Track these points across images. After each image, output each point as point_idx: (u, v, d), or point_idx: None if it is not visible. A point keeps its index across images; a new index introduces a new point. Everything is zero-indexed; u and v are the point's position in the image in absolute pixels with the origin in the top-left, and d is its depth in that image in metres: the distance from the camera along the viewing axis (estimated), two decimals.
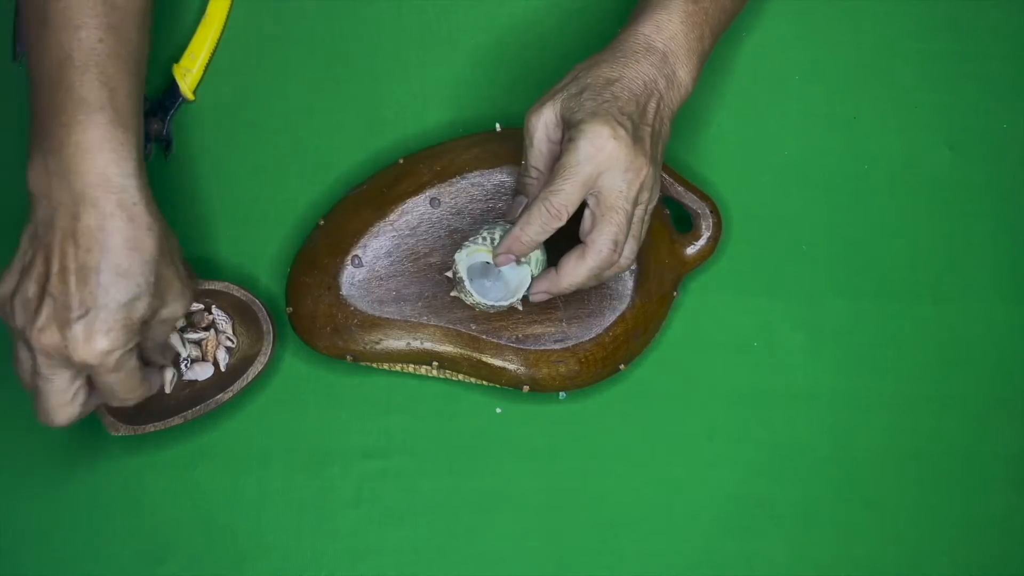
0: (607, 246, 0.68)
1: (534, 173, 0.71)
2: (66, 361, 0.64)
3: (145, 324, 0.66)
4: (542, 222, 0.68)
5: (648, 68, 0.70)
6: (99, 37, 0.65)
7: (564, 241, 0.70)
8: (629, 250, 0.69)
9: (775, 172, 0.82)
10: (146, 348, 0.70)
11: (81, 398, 0.67)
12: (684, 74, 0.72)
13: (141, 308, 0.64)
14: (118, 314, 0.63)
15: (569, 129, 0.68)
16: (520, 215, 0.69)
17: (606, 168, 0.67)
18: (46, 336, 0.63)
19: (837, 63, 0.84)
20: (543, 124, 0.70)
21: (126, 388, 0.67)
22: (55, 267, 0.64)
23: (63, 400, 0.66)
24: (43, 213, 0.65)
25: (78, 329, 0.63)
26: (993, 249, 0.82)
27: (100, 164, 0.64)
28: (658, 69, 0.70)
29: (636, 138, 0.67)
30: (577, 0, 0.84)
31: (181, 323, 0.77)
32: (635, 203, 0.68)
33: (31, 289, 0.64)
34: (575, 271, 0.69)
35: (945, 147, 0.83)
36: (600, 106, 0.67)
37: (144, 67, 0.69)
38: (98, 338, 0.63)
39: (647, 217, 0.70)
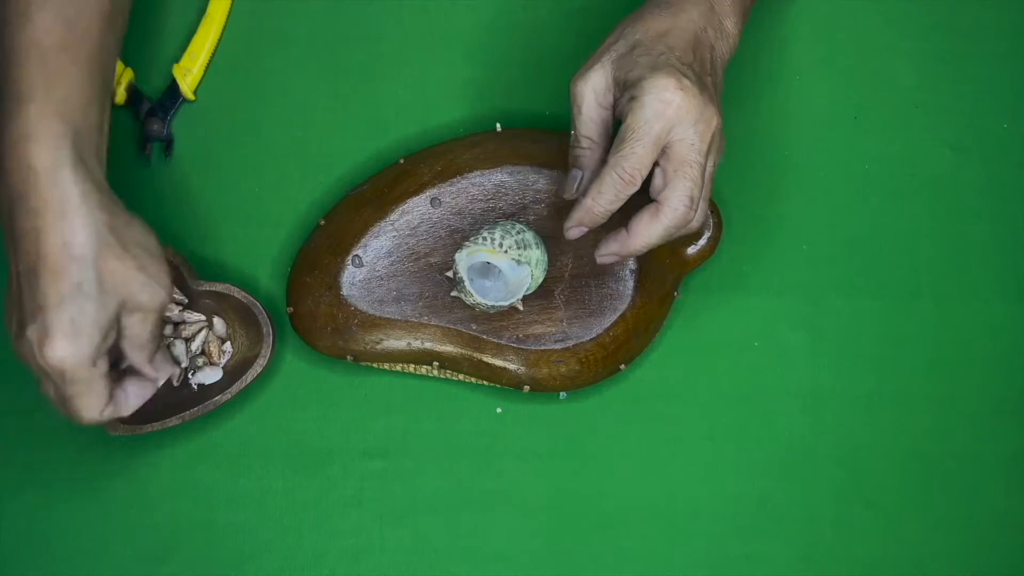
0: (683, 203, 0.65)
1: (586, 143, 0.67)
2: (37, 369, 0.61)
3: (111, 326, 0.61)
4: (616, 190, 0.65)
5: (698, 17, 0.67)
6: (47, 29, 0.61)
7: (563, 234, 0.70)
8: (702, 210, 0.67)
9: (775, 172, 0.82)
10: (129, 351, 0.64)
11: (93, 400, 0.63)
12: (731, 25, 0.69)
13: (90, 310, 0.59)
14: (64, 317, 0.58)
15: (629, 88, 0.64)
16: (591, 185, 0.65)
17: (676, 122, 0.63)
18: (17, 343, 0.61)
19: (837, 63, 0.84)
20: (591, 90, 0.66)
21: (85, 404, 0.61)
22: (13, 271, 0.61)
23: (66, 409, 0.63)
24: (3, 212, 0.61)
25: (31, 334, 0.59)
26: (993, 249, 0.82)
27: (27, 157, 0.59)
28: (707, 19, 0.67)
29: (702, 86, 0.64)
30: (577, 0, 0.84)
31: (169, 329, 0.77)
32: (707, 155, 0.65)
33: (10, 295, 0.62)
34: (649, 230, 0.66)
35: (945, 147, 0.83)
36: (658, 59, 0.64)
37: (110, 56, 0.66)
38: (53, 343, 0.59)
39: (710, 179, 0.67)
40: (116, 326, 0.62)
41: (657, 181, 0.66)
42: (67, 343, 0.59)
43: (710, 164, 0.66)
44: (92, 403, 0.62)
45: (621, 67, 0.65)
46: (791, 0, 0.85)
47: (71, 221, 0.59)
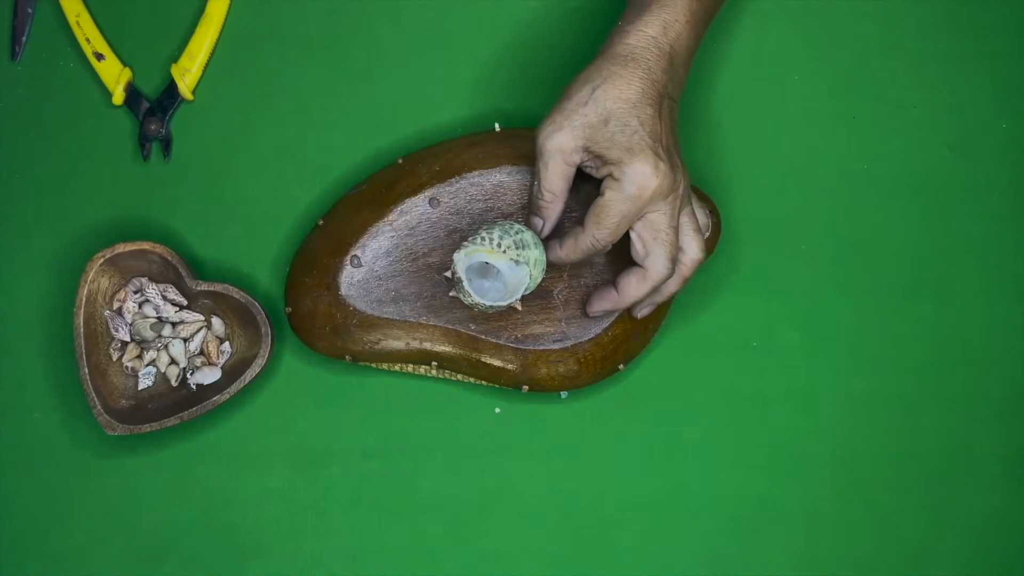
0: (664, 264, 0.70)
1: (548, 197, 0.71)
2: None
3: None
4: (589, 252, 0.71)
5: (660, 74, 0.70)
6: None
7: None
8: (694, 247, 0.72)
9: (775, 172, 0.82)
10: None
11: None
12: (684, 72, 0.73)
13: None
14: None
15: (607, 165, 0.69)
16: (567, 241, 0.71)
17: (651, 201, 0.68)
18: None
19: (837, 63, 0.84)
20: (559, 149, 0.69)
21: None
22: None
23: None
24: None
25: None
26: (992, 249, 0.81)
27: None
28: (667, 74, 0.70)
29: (671, 163, 0.69)
30: (577, 0, 0.84)
31: (168, 330, 0.77)
32: (678, 217, 0.70)
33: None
34: (638, 290, 0.71)
35: (945, 147, 0.83)
36: (633, 139, 0.68)
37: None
38: None
39: (696, 212, 0.73)
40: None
41: (638, 248, 0.70)
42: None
43: (687, 220, 0.71)
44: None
45: (594, 139, 0.69)
46: (790, 0, 0.85)
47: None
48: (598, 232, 0.69)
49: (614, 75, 0.69)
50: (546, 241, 0.73)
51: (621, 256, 0.73)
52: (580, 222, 0.71)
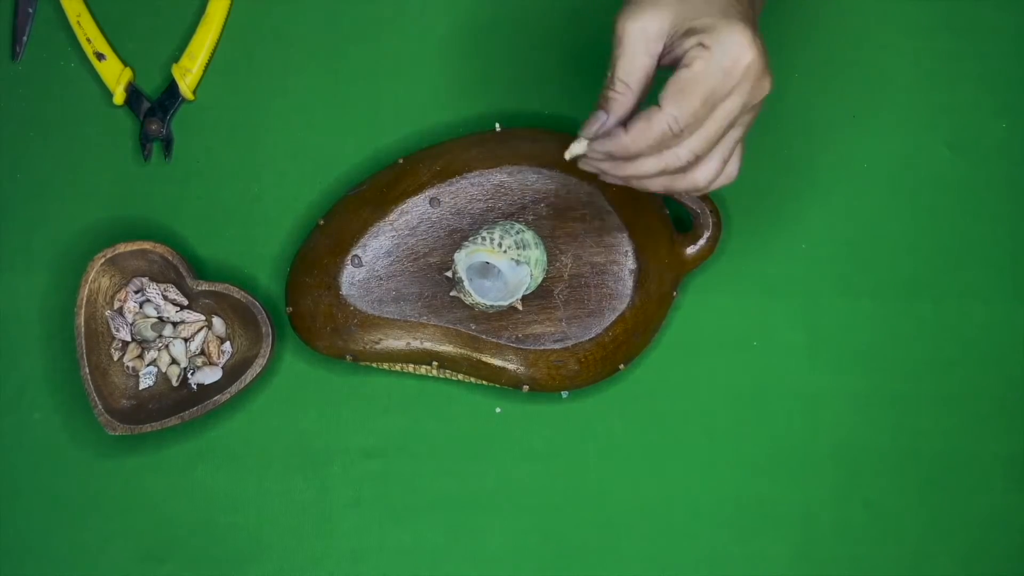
0: (687, 155, 0.61)
1: (621, 87, 0.61)
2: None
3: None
4: (661, 136, 0.60)
5: None
6: None
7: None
8: (711, 168, 0.63)
9: (774, 171, 0.82)
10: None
11: None
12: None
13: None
14: None
15: (697, 34, 0.59)
16: (637, 121, 0.60)
17: (736, 83, 0.59)
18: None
19: (837, 62, 0.84)
20: (642, 32, 0.60)
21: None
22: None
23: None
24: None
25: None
26: (992, 249, 0.82)
27: None
28: None
29: (765, 48, 0.60)
30: (576, 0, 0.84)
31: (169, 330, 0.77)
32: (738, 116, 0.61)
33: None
34: (640, 165, 0.62)
35: (944, 147, 0.83)
36: (730, 8, 0.59)
37: None
38: None
39: (740, 147, 0.64)
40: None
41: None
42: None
43: (736, 131, 0.62)
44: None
45: (682, 13, 0.60)
46: None
47: None
48: (679, 110, 0.59)
49: None
50: (608, 132, 0.62)
51: (622, 259, 0.73)
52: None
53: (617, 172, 0.63)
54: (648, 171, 0.62)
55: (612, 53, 0.62)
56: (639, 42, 0.61)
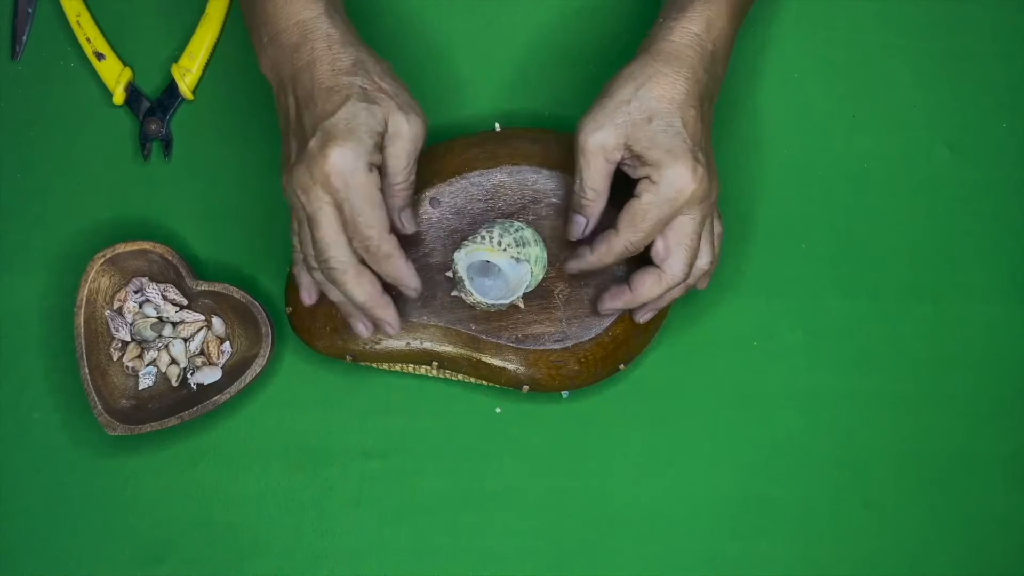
0: (682, 269, 0.70)
1: (591, 194, 0.70)
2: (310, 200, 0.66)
3: (378, 137, 0.66)
4: (622, 255, 0.70)
5: (702, 74, 0.69)
6: None
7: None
8: (705, 259, 0.72)
9: (775, 172, 0.82)
10: (391, 178, 0.69)
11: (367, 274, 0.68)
12: (722, 71, 0.72)
13: (362, 114, 0.66)
14: (340, 120, 0.65)
15: (646, 166, 0.68)
16: (598, 245, 0.71)
17: (685, 205, 0.68)
18: (293, 173, 0.66)
19: (837, 62, 0.84)
20: (601, 146, 0.69)
21: (367, 214, 0.66)
22: (288, 116, 0.69)
23: (356, 228, 0.66)
24: (277, 88, 0.70)
25: (313, 144, 0.65)
26: (991, 249, 0.82)
27: (296, 14, 0.69)
28: (708, 73, 0.70)
29: (708, 167, 0.69)
30: (576, 0, 0.84)
31: (169, 330, 0.77)
32: (702, 224, 0.70)
33: (287, 138, 0.69)
34: (652, 291, 0.71)
35: (945, 147, 0.83)
36: (675, 141, 0.68)
37: None
38: (332, 144, 0.65)
39: (716, 224, 0.73)
40: (380, 145, 0.67)
41: (659, 248, 0.70)
42: (344, 141, 0.65)
43: (706, 230, 0.71)
44: (372, 216, 0.66)
45: (635, 137, 0.68)
46: None
47: (337, 51, 0.68)
48: (633, 236, 0.69)
49: (659, 73, 0.69)
50: (577, 245, 0.73)
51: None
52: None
53: (639, 315, 0.75)
54: (663, 303, 0.73)
55: (577, 162, 0.70)
56: (599, 154, 0.69)
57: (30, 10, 0.83)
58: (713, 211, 0.71)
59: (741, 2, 0.72)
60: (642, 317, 0.75)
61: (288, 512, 0.77)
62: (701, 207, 0.69)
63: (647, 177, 0.68)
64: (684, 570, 0.77)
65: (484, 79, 0.83)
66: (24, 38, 0.83)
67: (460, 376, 0.78)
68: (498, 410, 0.79)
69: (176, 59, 0.82)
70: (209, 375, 0.77)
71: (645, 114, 0.68)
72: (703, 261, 0.72)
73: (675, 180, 0.67)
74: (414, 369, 0.78)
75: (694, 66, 0.69)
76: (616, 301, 0.73)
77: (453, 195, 0.76)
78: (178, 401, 0.77)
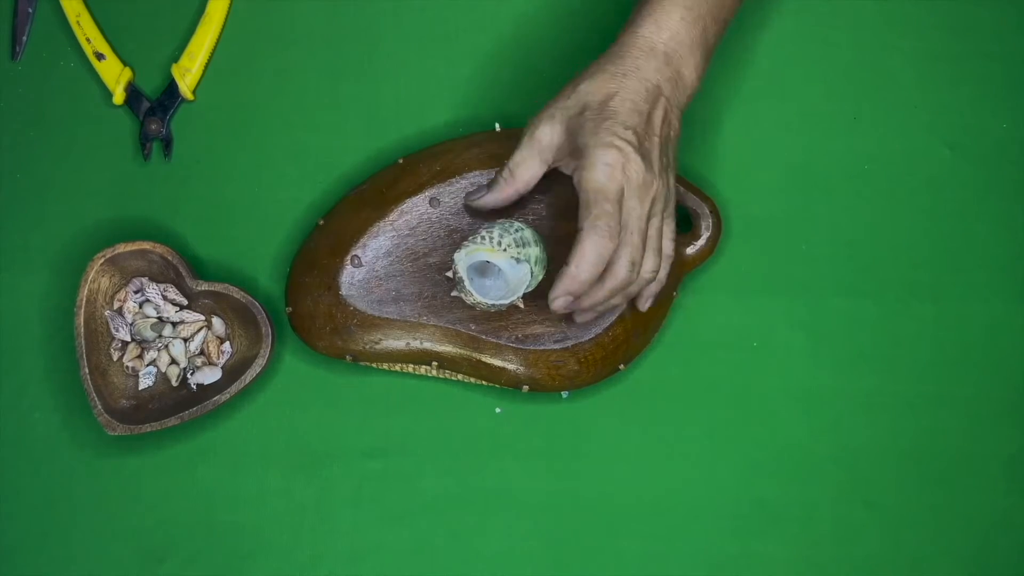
0: (624, 267, 0.68)
1: (507, 174, 0.72)
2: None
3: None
4: (599, 251, 0.67)
5: (651, 73, 0.70)
6: None
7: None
8: (651, 264, 0.70)
9: (775, 172, 0.82)
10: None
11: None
12: (689, 72, 0.72)
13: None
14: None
15: (575, 155, 0.69)
16: (572, 256, 0.67)
17: (625, 184, 0.67)
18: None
19: (837, 63, 0.84)
20: (538, 137, 0.70)
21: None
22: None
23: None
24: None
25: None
26: (992, 249, 0.82)
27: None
28: (660, 72, 0.70)
29: (643, 154, 0.68)
30: (575, 1, 0.84)
31: (169, 330, 0.78)
32: (648, 219, 0.69)
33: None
34: (594, 294, 0.70)
35: (945, 147, 0.83)
36: (600, 127, 0.68)
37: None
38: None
39: (666, 227, 0.71)
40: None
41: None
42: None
43: (654, 223, 0.70)
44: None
45: (570, 128, 0.70)
46: (791, 0, 0.85)
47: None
48: (598, 223, 0.67)
49: (600, 71, 0.70)
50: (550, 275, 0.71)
51: None
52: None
53: (580, 307, 0.71)
54: (602, 296, 0.70)
55: (519, 143, 0.71)
56: (534, 145, 0.71)
57: (30, 10, 0.83)
58: (660, 212, 0.70)
59: (701, 4, 0.72)
60: (581, 317, 0.73)
61: (288, 512, 0.77)
62: (639, 196, 0.68)
63: (581, 166, 0.68)
64: (684, 570, 0.77)
65: (484, 79, 0.83)
66: (24, 38, 0.83)
67: (460, 376, 0.78)
68: (498, 410, 0.79)
69: (176, 59, 0.82)
70: (209, 375, 0.77)
71: (579, 106, 0.69)
72: (647, 267, 0.70)
73: (603, 158, 0.67)
74: (414, 369, 0.78)
75: (638, 65, 0.70)
76: (558, 284, 0.69)
77: (453, 195, 0.76)
78: (178, 401, 0.77)
